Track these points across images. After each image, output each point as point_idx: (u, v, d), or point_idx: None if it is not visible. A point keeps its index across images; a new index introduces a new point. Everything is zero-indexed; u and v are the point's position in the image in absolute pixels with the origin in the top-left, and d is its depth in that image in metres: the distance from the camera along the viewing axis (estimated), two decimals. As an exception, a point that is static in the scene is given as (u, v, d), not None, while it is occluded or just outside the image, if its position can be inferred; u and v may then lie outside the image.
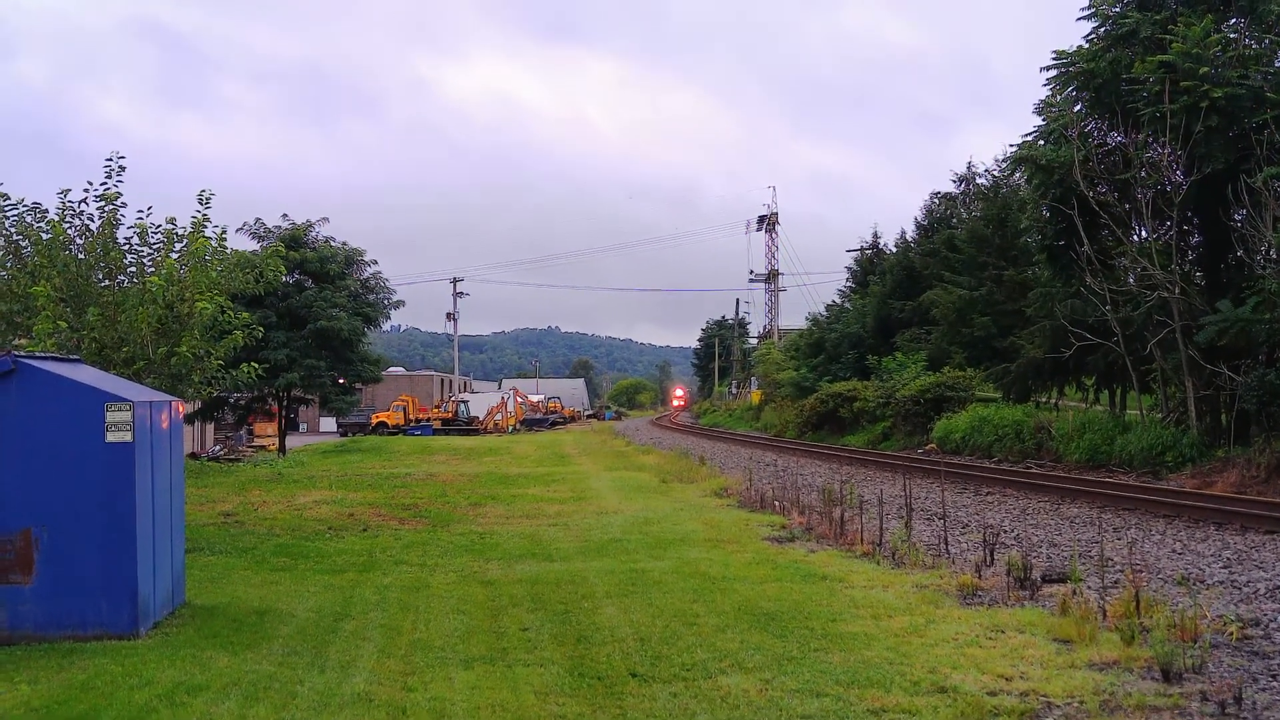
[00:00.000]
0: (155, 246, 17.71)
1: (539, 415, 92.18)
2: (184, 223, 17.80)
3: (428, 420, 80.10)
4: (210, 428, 54.76)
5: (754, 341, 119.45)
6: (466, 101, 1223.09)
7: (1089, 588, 11.43)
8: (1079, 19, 27.55)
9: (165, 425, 11.04)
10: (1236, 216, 24.46)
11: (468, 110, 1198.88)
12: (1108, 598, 10.75)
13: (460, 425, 78.58)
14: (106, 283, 17.29)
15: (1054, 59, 27.86)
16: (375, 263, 48.77)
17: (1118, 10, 26.77)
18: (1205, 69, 23.61)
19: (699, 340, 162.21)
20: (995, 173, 49.83)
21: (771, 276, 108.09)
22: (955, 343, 44.96)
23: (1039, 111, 29.35)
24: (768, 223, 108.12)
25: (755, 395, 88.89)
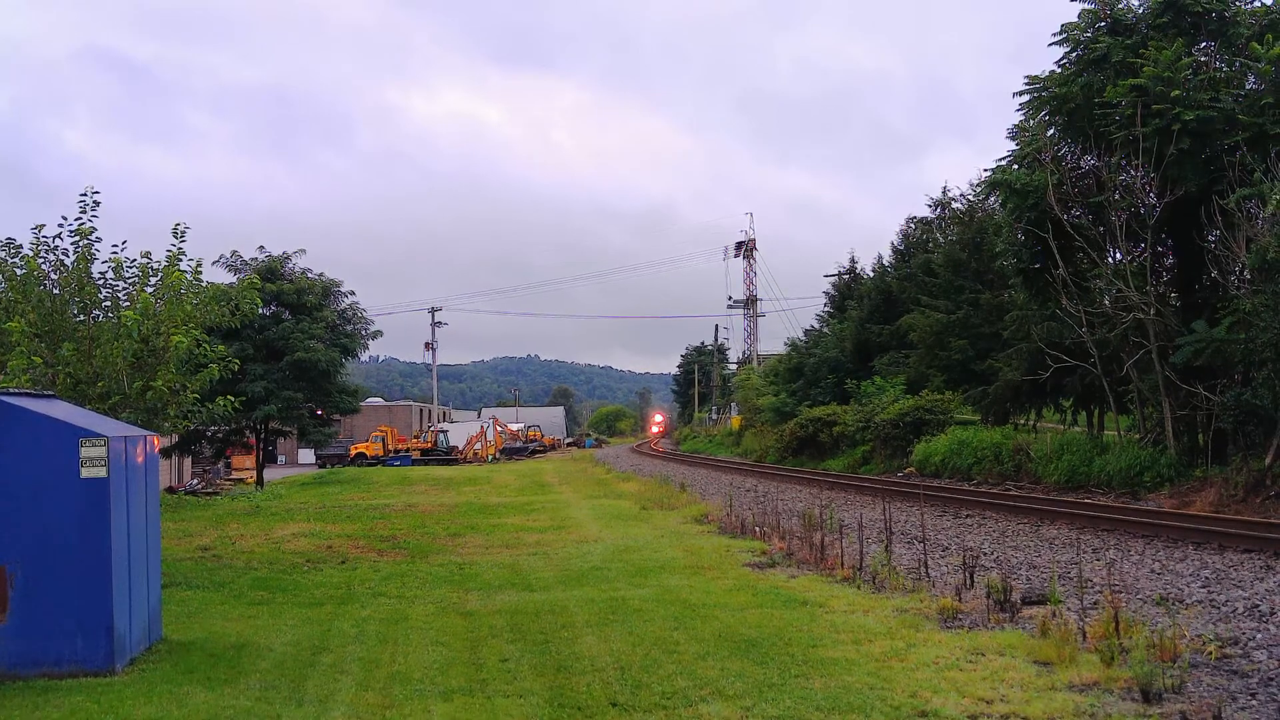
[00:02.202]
0: (130, 280, 17.61)
1: (519, 444, 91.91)
2: (159, 256, 17.74)
3: (407, 450, 79.81)
4: (187, 461, 54.46)
5: (733, 367, 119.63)
6: (434, 129, 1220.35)
7: (1068, 609, 11.43)
8: (1051, 44, 27.80)
9: (141, 460, 10.97)
10: (1210, 237, 24.64)
11: (435, 138, 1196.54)
12: (1087, 619, 10.78)
13: (439, 455, 78.27)
14: (81, 317, 17.17)
15: (1026, 84, 28.08)
16: (352, 293, 48.83)
17: (1089, 35, 27.01)
18: (1177, 92, 23.84)
19: (678, 366, 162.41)
20: (970, 197, 50.15)
21: (750, 302, 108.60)
22: (933, 366, 45.13)
23: (1013, 136, 29.62)
24: (745, 249, 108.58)
25: (735, 421, 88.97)
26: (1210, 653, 9.54)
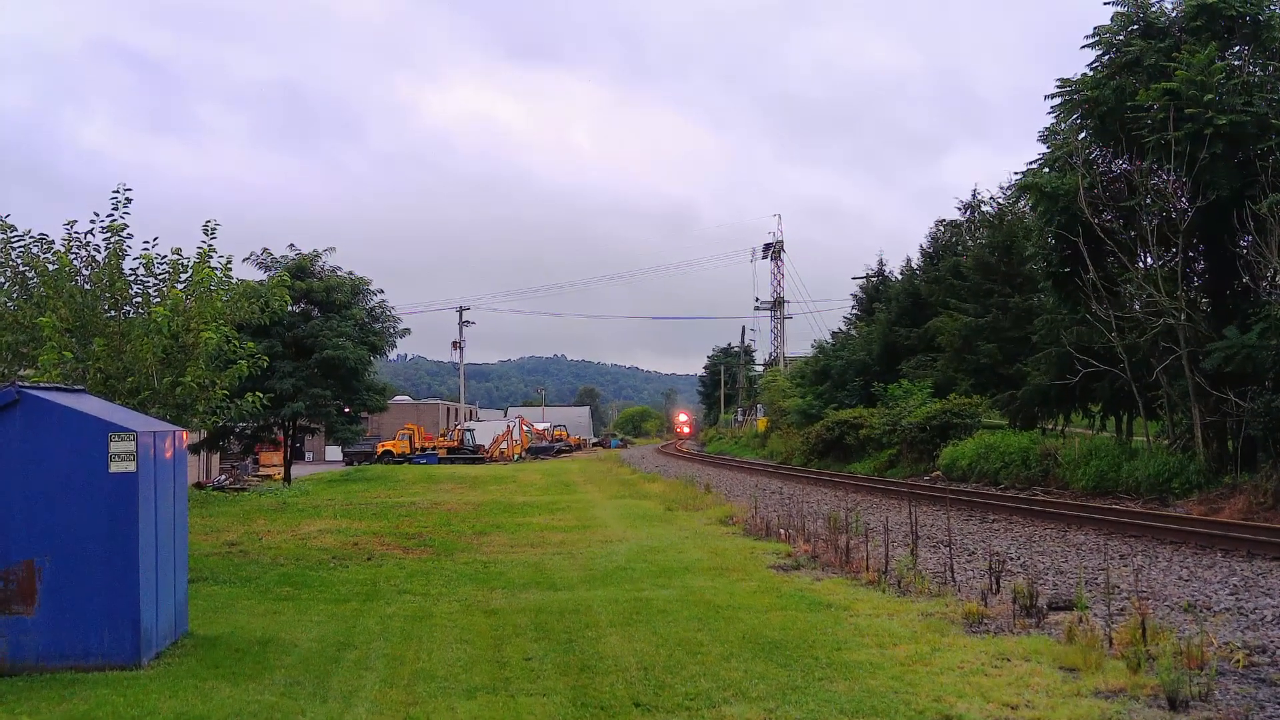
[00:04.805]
0: (161, 277, 17.75)
1: (545, 443, 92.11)
2: (189, 252, 17.87)
3: (433, 449, 79.99)
4: (215, 457, 54.64)
5: (760, 369, 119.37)
6: (449, 126, 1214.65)
7: (1095, 615, 11.36)
8: (1083, 46, 27.64)
9: (169, 455, 11.04)
10: (1242, 243, 24.43)
11: (452, 135, 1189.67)
12: (1114, 625, 10.70)
13: (466, 454, 78.44)
14: (112, 313, 17.32)
15: (1058, 86, 27.91)
16: (381, 292, 48.77)
17: (1121, 38, 26.85)
18: (1209, 96, 23.65)
19: (705, 368, 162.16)
20: (1000, 200, 49.90)
21: (778, 304, 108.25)
22: (961, 370, 44.93)
23: (1044, 139, 29.42)
24: (773, 250, 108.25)
25: (761, 423, 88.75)
26: (1238, 661, 9.46)
